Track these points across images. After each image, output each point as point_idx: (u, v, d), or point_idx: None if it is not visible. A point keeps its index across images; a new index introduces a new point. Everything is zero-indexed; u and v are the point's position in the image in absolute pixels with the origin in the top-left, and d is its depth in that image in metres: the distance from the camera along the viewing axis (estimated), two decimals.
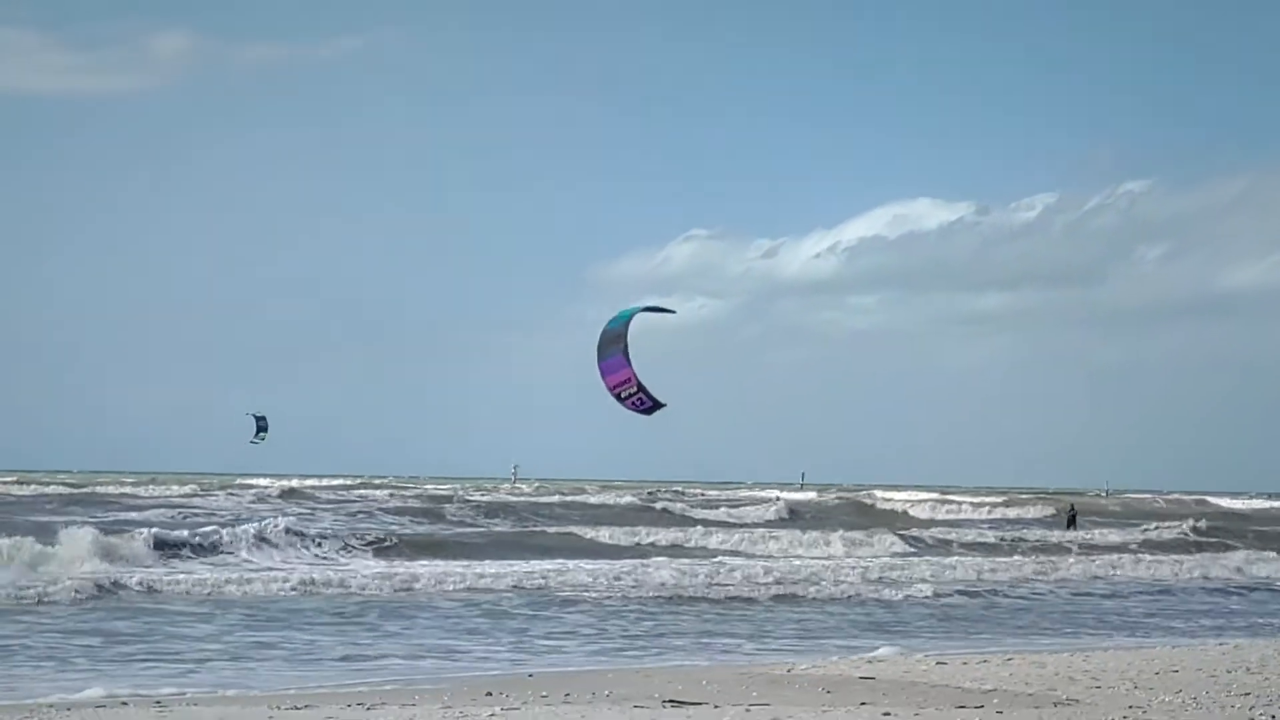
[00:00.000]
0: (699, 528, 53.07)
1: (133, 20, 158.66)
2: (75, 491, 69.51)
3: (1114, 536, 56.44)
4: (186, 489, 76.21)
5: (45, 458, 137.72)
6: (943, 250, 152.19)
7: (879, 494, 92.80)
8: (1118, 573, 40.63)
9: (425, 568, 34.21)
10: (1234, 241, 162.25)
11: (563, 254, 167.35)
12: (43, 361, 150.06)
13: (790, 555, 44.72)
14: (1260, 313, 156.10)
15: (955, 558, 44.25)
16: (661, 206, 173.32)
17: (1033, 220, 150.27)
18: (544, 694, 15.55)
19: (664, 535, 48.85)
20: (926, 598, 31.42)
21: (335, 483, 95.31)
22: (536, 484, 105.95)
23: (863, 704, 14.57)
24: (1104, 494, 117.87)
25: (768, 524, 61.01)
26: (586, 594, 30.29)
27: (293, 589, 29.63)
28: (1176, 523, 62.04)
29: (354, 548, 39.74)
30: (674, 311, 18.80)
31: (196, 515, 50.41)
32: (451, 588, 30.98)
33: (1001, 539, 53.89)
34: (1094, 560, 44.01)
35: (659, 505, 72.00)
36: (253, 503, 60.93)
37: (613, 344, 18.30)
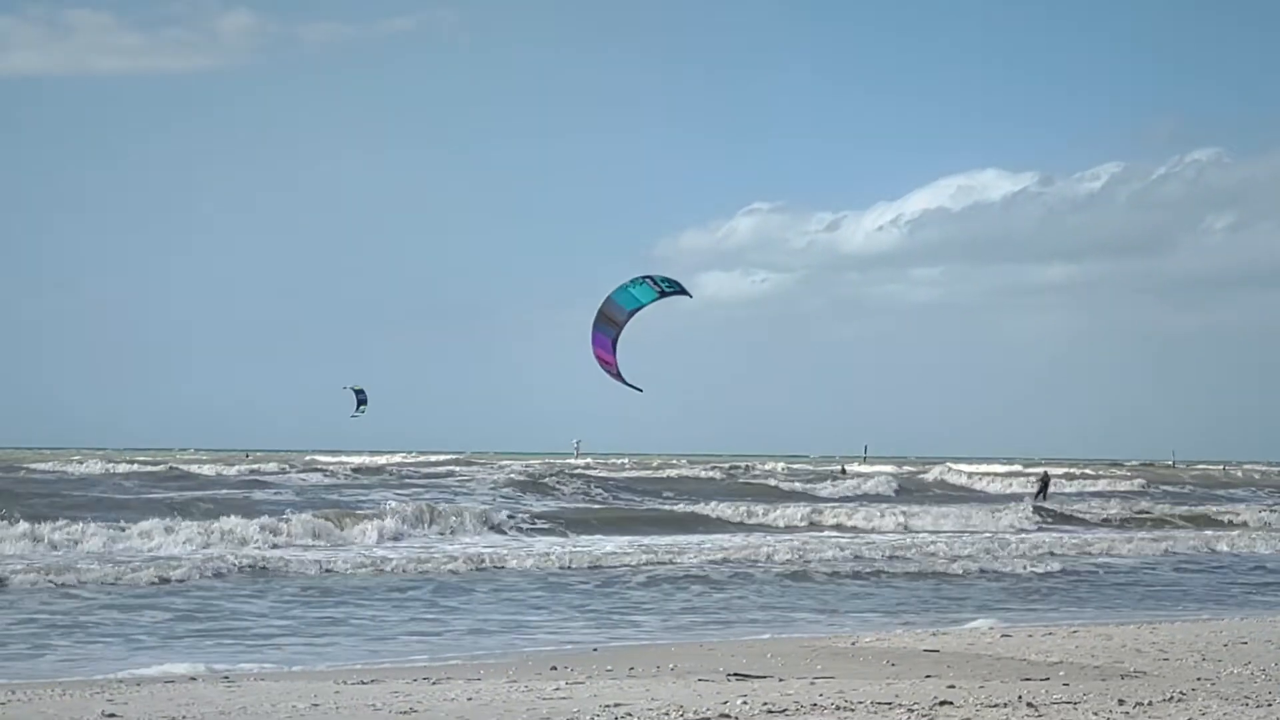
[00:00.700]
0: (827, 504, 53.16)
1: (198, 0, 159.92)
2: (182, 470, 69.85)
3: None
4: (271, 466, 76.63)
5: (78, 436, 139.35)
6: (1006, 221, 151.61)
7: (954, 468, 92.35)
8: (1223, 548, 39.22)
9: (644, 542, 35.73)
10: None
11: (625, 229, 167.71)
12: (81, 341, 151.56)
13: (958, 531, 44.04)
14: None
15: (1091, 532, 44.09)
16: (723, 180, 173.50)
17: (1098, 190, 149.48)
18: (609, 668, 15.62)
19: (795, 510, 48.72)
20: (1056, 571, 31.20)
21: (408, 460, 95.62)
22: (591, 459, 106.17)
23: (927, 677, 14.56)
24: (1172, 464, 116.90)
25: (883, 499, 60.89)
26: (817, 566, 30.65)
27: (563, 567, 30.05)
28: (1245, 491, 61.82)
29: (531, 528, 40.55)
30: (690, 295, 18.53)
31: (338, 494, 51.23)
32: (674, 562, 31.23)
33: (1124, 513, 53.63)
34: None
35: (755, 480, 72.40)
36: (354, 480, 61.27)
37: (611, 324, 18.12)
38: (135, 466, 73.21)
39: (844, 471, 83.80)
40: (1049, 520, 49.71)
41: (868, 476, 76.76)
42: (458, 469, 77.26)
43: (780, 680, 14.13)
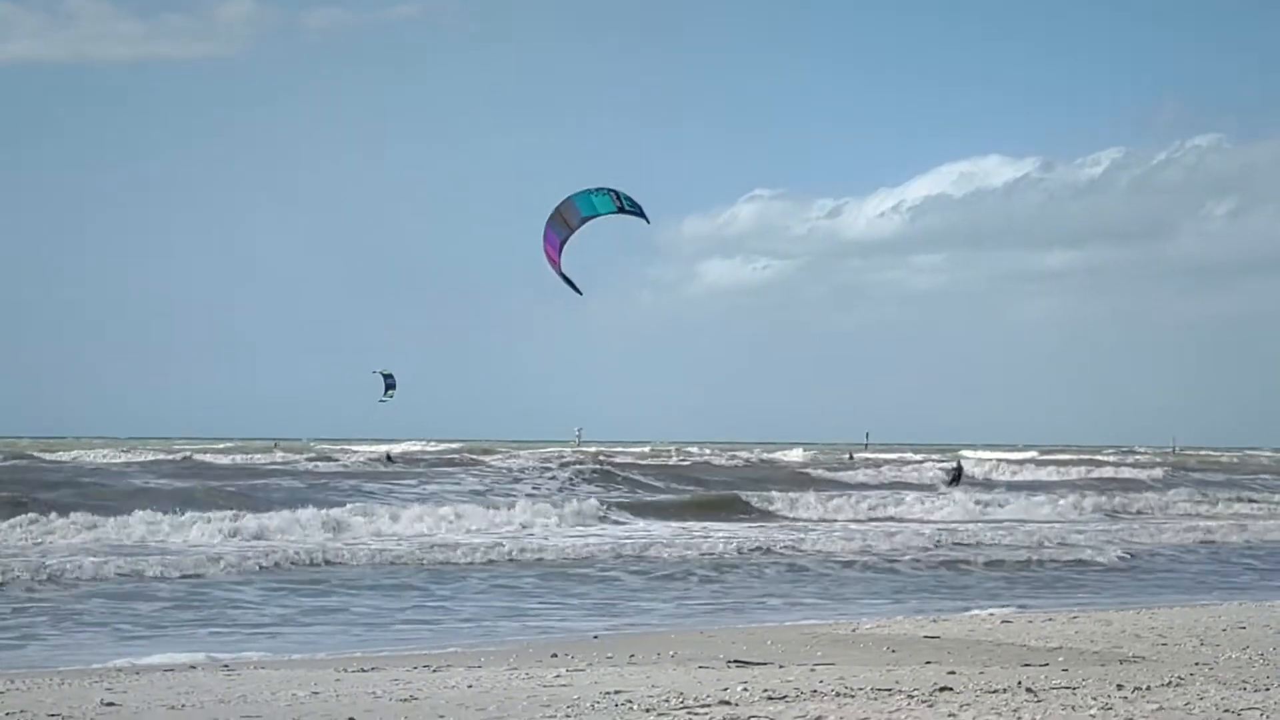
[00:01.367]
0: (891, 491, 53.10)
1: None
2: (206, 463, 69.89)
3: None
4: (303, 457, 76.13)
5: (70, 425, 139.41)
6: (1008, 208, 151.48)
7: (969, 454, 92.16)
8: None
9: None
10: None
11: (625, 216, 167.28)
12: (74, 335, 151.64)
13: (1047, 520, 43.82)
14: None
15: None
16: (724, 167, 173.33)
17: (1099, 176, 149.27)
18: (609, 655, 15.63)
19: (869, 499, 48.70)
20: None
21: (427, 448, 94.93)
22: (600, 448, 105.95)
23: (927, 663, 14.57)
24: (1171, 450, 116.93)
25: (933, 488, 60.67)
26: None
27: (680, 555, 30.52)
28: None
29: (618, 515, 41.30)
30: (649, 221, 18.87)
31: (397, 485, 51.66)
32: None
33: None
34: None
35: (786, 468, 72.28)
36: (407, 470, 61.16)
37: (564, 225, 18.36)
38: (157, 455, 73.31)
39: (851, 459, 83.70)
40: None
41: (899, 464, 76.59)
42: (485, 459, 77.13)
43: (780, 667, 14.14)
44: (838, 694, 11.85)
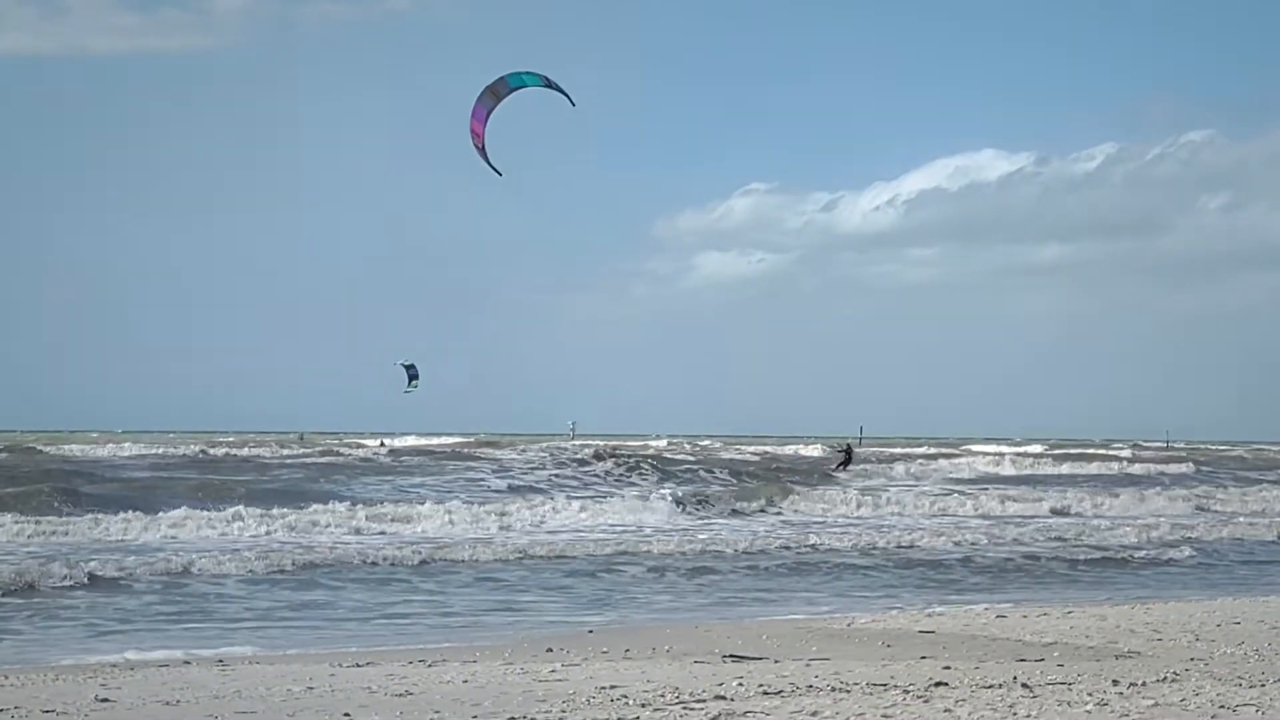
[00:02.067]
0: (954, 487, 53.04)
1: None
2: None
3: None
4: (315, 450, 75.51)
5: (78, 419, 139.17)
6: (1003, 202, 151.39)
7: (972, 448, 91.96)
8: None
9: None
10: None
11: (621, 210, 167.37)
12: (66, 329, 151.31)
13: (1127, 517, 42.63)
14: None
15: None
16: (720, 160, 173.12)
17: (1093, 170, 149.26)
18: (604, 649, 15.62)
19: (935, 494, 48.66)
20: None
21: (431, 442, 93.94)
22: (604, 442, 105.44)
23: (923, 658, 14.58)
24: (1166, 444, 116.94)
25: (993, 480, 60.22)
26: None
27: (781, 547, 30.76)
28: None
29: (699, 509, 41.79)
30: (574, 104, 19.38)
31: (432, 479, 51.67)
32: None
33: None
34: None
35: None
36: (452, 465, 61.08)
37: (493, 96, 18.95)
38: (187, 449, 73.20)
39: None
40: None
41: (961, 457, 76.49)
42: (499, 453, 76.82)
43: (775, 662, 14.15)
44: (833, 689, 11.85)
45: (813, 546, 30.65)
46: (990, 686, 11.88)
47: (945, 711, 10.65)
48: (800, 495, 45.26)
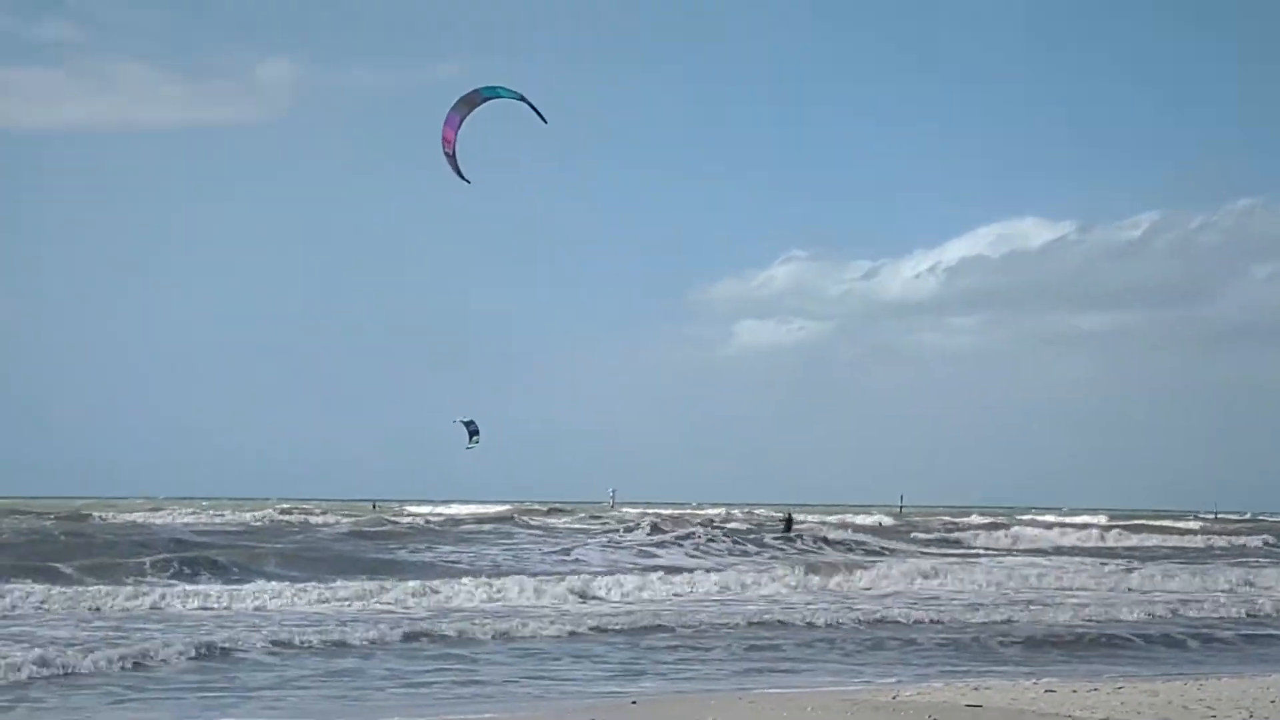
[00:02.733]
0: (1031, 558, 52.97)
1: (239, 50, 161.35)
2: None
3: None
4: (346, 518, 75.61)
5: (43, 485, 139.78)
6: (1045, 269, 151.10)
7: (1022, 517, 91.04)
8: None
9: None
10: None
11: (659, 276, 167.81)
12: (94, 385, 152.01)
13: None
14: None
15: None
16: (760, 227, 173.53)
17: (1137, 238, 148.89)
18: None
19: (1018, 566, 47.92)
20: None
21: (473, 510, 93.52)
22: (641, 508, 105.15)
23: None
24: (1214, 516, 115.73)
25: (1064, 551, 59.53)
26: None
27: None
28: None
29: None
30: (546, 121, 19.71)
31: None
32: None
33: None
34: None
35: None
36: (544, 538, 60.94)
37: (467, 104, 19.23)
38: (254, 515, 73.92)
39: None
40: None
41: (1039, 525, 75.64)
42: (552, 520, 76.70)
43: None
44: None
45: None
46: None
47: None
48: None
